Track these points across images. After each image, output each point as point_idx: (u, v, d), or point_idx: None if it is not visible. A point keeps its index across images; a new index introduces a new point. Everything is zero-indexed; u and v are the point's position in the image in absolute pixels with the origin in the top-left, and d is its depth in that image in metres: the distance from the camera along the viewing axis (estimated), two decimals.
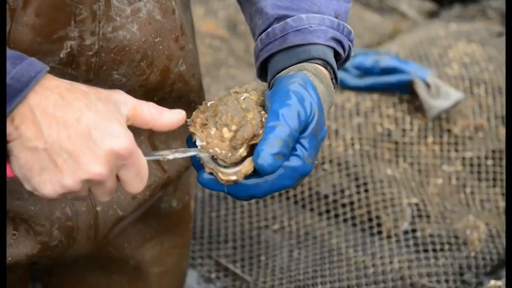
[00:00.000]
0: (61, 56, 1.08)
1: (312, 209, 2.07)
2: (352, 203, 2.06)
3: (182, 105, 1.17)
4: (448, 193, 2.10)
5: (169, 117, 1.04)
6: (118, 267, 1.46)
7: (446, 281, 1.87)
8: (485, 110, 2.24)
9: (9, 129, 0.95)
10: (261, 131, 1.05)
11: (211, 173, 1.07)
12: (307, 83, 1.09)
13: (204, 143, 1.06)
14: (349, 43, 1.21)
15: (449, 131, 2.21)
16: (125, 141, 0.97)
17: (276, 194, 2.11)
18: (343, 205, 2.06)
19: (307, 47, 1.15)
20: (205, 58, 2.60)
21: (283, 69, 1.15)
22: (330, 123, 2.18)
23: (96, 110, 0.97)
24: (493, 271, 1.92)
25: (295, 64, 1.15)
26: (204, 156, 1.07)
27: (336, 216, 2.05)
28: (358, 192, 2.06)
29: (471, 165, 2.16)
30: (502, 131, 2.21)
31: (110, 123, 0.97)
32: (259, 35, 1.20)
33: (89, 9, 1.07)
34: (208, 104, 1.10)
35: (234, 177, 1.05)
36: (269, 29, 1.18)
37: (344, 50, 1.20)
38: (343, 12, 1.21)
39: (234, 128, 1.07)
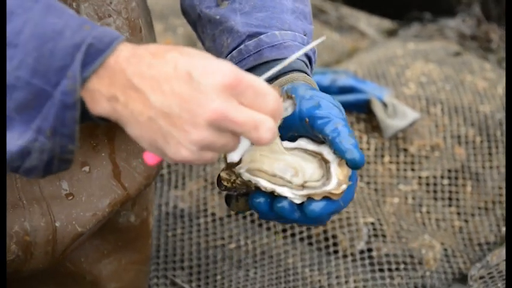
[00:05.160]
0: None
1: (268, 228, 2.06)
2: None
3: None
4: (404, 212, 2.11)
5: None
6: (74, 282, 1.44)
7: None
8: (441, 130, 2.26)
9: (118, 107, 0.93)
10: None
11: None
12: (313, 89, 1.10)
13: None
14: (314, 63, 1.23)
15: (405, 150, 2.22)
16: (226, 69, 0.93)
17: (232, 212, 2.10)
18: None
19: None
20: None
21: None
22: None
23: (190, 54, 0.94)
24: None
25: (277, 76, 1.15)
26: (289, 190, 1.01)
27: (292, 235, 2.04)
28: None
29: (427, 184, 2.17)
30: (458, 150, 2.23)
31: (206, 60, 0.93)
32: (229, 53, 1.20)
33: None
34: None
35: (344, 186, 0.98)
36: (241, 46, 1.18)
37: (312, 68, 1.21)
38: (308, 32, 1.23)
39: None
